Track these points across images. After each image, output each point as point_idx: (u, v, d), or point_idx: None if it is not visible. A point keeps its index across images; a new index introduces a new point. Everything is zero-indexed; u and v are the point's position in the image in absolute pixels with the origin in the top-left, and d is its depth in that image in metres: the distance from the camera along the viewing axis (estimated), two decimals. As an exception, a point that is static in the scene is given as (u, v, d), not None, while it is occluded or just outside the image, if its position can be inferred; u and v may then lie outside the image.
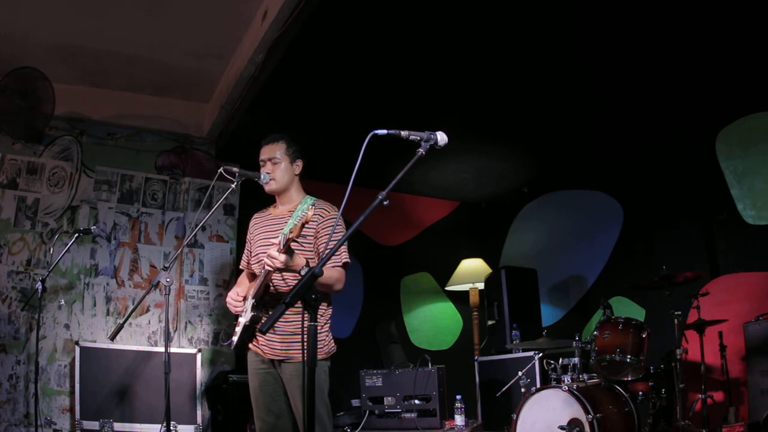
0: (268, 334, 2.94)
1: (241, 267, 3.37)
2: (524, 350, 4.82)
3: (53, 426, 4.57)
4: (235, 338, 3.04)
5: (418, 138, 2.23)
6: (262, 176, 3.13)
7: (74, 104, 5.12)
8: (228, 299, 3.10)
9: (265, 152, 3.15)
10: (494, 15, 3.86)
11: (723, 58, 4.22)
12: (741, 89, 4.55)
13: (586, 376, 4.07)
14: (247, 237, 3.32)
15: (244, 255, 3.34)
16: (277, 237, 2.80)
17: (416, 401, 4.63)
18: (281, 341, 2.95)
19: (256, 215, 3.32)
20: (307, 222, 2.56)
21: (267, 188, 3.16)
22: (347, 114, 4.96)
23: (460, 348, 6.37)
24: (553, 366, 4.16)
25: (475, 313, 5.91)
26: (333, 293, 3.02)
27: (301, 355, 2.62)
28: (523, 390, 4.31)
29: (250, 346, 3.06)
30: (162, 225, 5.35)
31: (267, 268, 2.79)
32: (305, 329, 2.04)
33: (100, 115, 5.23)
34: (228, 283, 5.42)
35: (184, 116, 5.50)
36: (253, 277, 3.27)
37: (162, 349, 3.69)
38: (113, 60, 4.83)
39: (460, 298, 6.48)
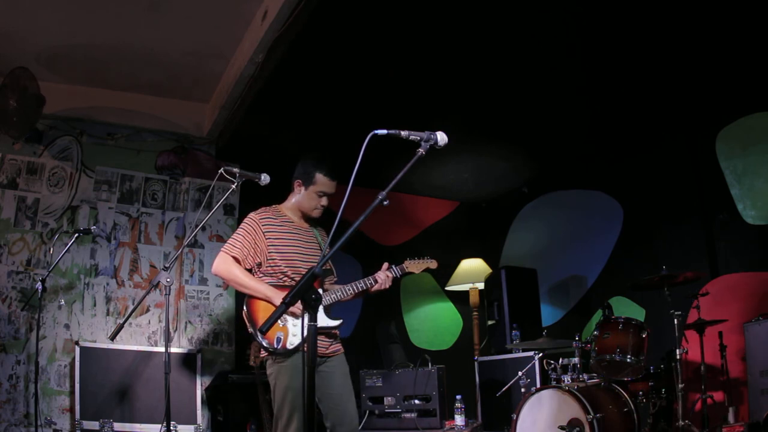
0: (325, 337, 3.19)
1: (237, 257, 3.19)
2: (524, 350, 4.81)
3: (53, 426, 4.57)
4: (296, 340, 3.10)
5: (418, 138, 2.22)
6: (262, 177, 3.17)
7: (74, 104, 5.12)
8: (295, 309, 3.11)
9: (333, 189, 3.31)
10: (494, 15, 3.86)
11: (723, 58, 4.22)
12: (741, 89, 4.55)
13: (586, 376, 4.07)
14: (254, 231, 3.21)
15: (243, 246, 3.19)
16: (317, 253, 3.26)
17: (416, 401, 4.63)
18: (326, 339, 3.21)
19: (265, 214, 3.26)
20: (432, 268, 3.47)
21: (316, 215, 3.34)
22: (347, 114, 4.96)
23: (460, 348, 6.37)
24: (553, 366, 4.16)
25: (475, 313, 5.91)
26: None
27: (341, 347, 3.27)
28: (523, 390, 4.31)
29: (306, 349, 3.12)
30: (162, 225, 5.35)
31: (379, 288, 3.25)
32: (305, 329, 2.05)
33: (100, 115, 5.23)
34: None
35: (184, 116, 5.50)
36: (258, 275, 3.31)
37: (162, 349, 3.69)
38: (113, 60, 4.83)
39: (460, 298, 6.48)
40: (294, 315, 3.11)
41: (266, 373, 3.19)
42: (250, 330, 3.15)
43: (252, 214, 3.29)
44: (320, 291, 3.26)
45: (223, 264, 3.19)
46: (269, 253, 3.20)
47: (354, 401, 3.24)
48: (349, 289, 3.24)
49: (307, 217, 3.36)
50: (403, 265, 3.37)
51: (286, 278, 3.21)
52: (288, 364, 3.08)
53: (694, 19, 3.82)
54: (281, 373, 3.08)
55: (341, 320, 3.24)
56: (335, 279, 3.50)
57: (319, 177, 3.25)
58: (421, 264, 3.43)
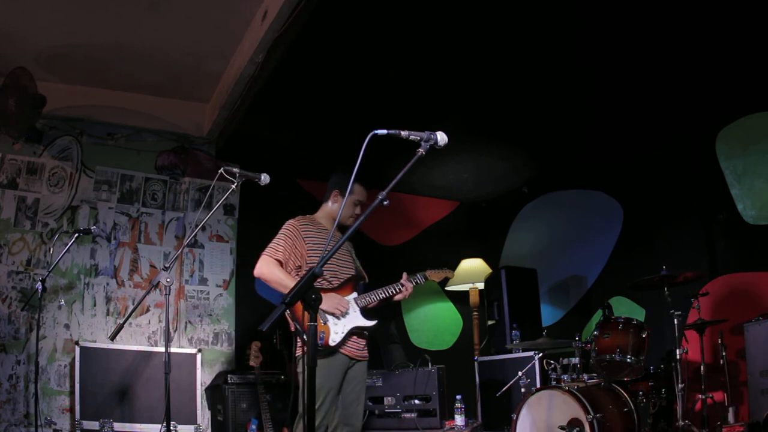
0: (357, 338, 3.38)
1: (280, 259, 3.38)
2: (524, 350, 4.81)
3: (53, 426, 4.57)
4: (338, 338, 3.28)
5: (418, 138, 2.23)
6: (262, 177, 3.26)
7: (74, 104, 5.12)
8: (339, 307, 3.32)
9: (367, 198, 3.52)
10: (494, 15, 3.86)
11: (723, 58, 4.22)
12: (741, 89, 4.55)
13: (586, 376, 4.07)
14: (294, 235, 3.42)
15: (285, 249, 3.38)
16: (349, 259, 3.56)
17: (416, 401, 4.63)
18: (360, 339, 3.40)
19: (303, 221, 3.51)
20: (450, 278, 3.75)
21: (351, 223, 3.51)
22: (347, 114, 4.96)
23: (460, 348, 6.37)
24: (553, 366, 4.16)
25: (475, 313, 5.91)
26: None
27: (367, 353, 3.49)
28: (523, 390, 4.31)
29: (343, 350, 3.31)
30: (162, 225, 5.35)
31: (402, 297, 3.49)
32: (305, 329, 2.06)
33: (100, 115, 5.23)
34: (228, 283, 5.43)
35: (184, 116, 5.50)
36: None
37: (162, 349, 3.69)
38: (113, 60, 4.83)
39: (460, 298, 6.47)
40: (333, 315, 3.29)
41: (297, 371, 3.31)
42: (293, 329, 3.30)
43: (291, 221, 3.50)
44: (354, 294, 3.47)
45: (266, 266, 3.37)
46: (309, 257, 3.39)
47: (363, 405, 3.49)
48: (381, 293, 3.45)
49: (338, 226, 3.54)
50: (426, 273, 3.60)
51: (324, 282, 3.38)
52: (325, 362, 3.21)
53: (694, 19, 3.82)
54: (318, 370, 3.22)
55: (376, 320, 3.40)
56: (366, 281, 3.71)
57: (357, 187, 3.54)
58: (441, 273, 3.66)
